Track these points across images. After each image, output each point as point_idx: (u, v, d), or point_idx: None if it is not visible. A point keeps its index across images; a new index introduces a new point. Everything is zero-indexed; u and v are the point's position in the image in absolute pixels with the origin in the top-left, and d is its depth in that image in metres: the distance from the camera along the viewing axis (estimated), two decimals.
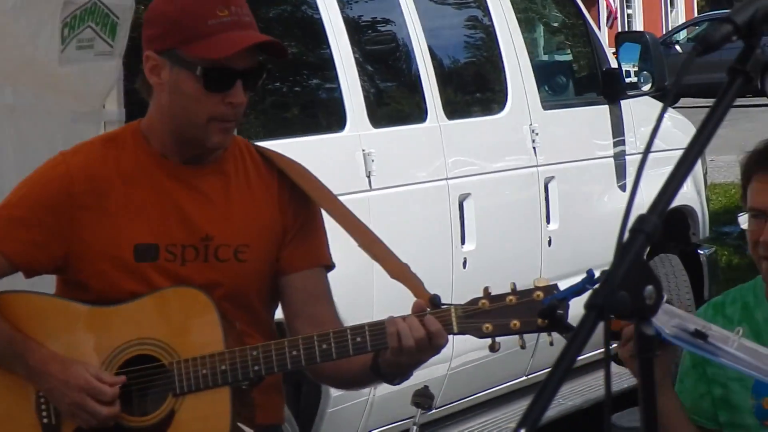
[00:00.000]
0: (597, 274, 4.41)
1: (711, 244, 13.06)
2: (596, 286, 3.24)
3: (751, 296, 5.63)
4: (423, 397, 5.84)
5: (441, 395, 6.85)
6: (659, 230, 3.07)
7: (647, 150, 3.34)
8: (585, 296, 3.98)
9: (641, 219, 3.06)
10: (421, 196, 9.93)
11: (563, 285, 4.88)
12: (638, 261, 3.11)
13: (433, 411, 6.16)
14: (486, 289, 5.00)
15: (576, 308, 3.43)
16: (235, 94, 5.05)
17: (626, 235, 3.08)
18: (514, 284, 4.98)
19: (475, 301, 5.00)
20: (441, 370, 9.34)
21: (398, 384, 5.22)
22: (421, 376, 8.00)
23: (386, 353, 4.99)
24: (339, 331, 5.02)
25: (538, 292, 4.87)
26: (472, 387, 10.37)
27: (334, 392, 9.01)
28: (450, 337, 8.67)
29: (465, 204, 9.96)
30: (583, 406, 9.51)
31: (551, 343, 4.93)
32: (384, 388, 8.90)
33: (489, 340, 4.96)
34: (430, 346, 4.91)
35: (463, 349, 9.68)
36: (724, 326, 5.26)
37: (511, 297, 4.92)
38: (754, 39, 3.29)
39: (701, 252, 12.54)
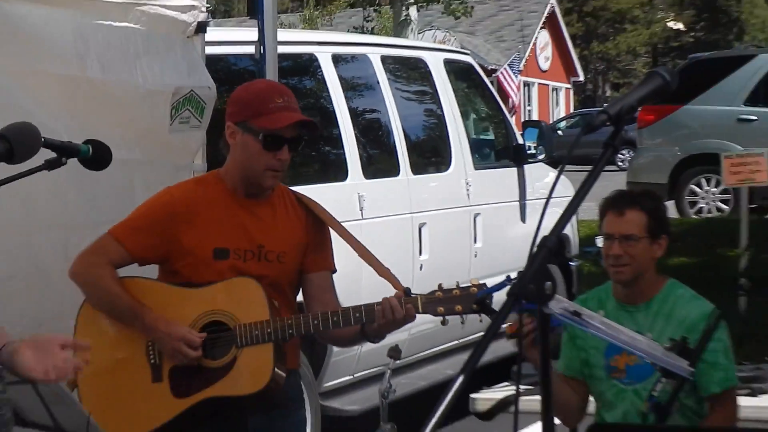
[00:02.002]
0: (513, 275, 4.63)
1: (578, 259, 13.07)
2: (513, 282, 3.32)
3: (603, 294, 5.73)
4: (394, 351, 5.88)
5: (405, 350, 6.88)
6: (556, 246, 3.18)
7: (549, 196, 3.40)
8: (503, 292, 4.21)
9: (545, 238, 3.18)
10: (395, 224, 10.05)
11: (489, 283, 5.10)
12: (542, 266, 3.22)
13: (400, 361, 6.18)
14: (440, 285, 5.22)
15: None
16: (283, 154, 5.24)
17: (535, 248, 3.21)
18: (458, 282, 5.19)
19: (432, 292, 5.21)
20: (405, 335, 9.44)
21: (377, 342, 5.37)
22: (392, 338, 8.12)
23: (372, 324, 5.16)
24: (344, 309, 5.20)
25: (474, 288, 5.12)
26: (425, 346, 10.47)
27: (335, 348, 9.07)
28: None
29: (423, 229, 10.18)
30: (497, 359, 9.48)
31: (480, 321, 5.12)
32: (368, 346, 9.02)
33: (441, 318, 5.15)
34: (404, 321, 5.10)
35: (419, 322, 9.77)
36: None
37: (456, 290, 5.16)
38: (621, 124, 3.38)
39: (572, 264, 12.60)
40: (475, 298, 5.09)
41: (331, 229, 5.54)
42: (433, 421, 3.09)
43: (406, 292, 5.16)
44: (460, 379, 3.17)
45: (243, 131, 5.28)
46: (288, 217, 5.47)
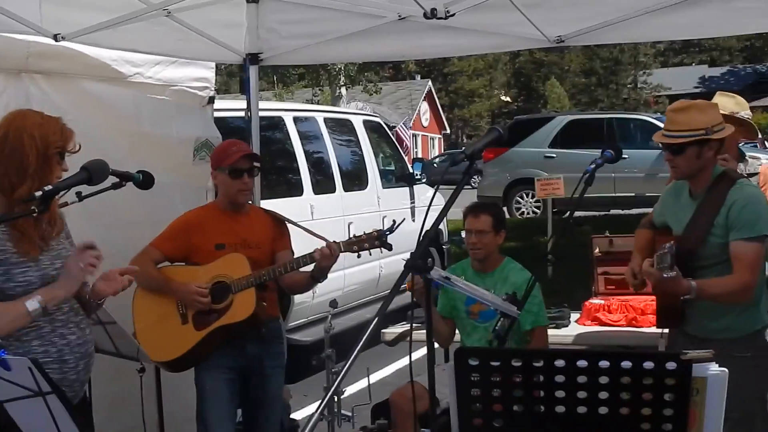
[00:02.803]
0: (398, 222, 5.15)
1: (449, 244, 12.98)
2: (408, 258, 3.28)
3: (465, 265, 5.71)
4: (333, 303, 5.81)
5: (340, 302, 6.80)
6: (435, 236, 3.13)
7: (429, 205, 3.33)
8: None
9: (427, 231, 3.13)
10: (333, 223, 9.96)
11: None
12: (426, 248, 3.17)
13: (337, 309, 6.11)
14: (354, 234, 5.16)
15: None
16: (245, 179, 5.27)
17: (421, 237, 3.16)
18: (364, 231, 5.15)
19: (349, 238, 5.13)
20: (340, 292, 9.38)
21: (322, 281, 5.22)
22: (332, 293, 8.03)
23: (315, 266, 5.07)
24: (296, 258, 5.13)
25: (375, 232, 5.08)
26: (354, 298, 10.41)
27: (296, 300, 9.00)
28: (342, 273, 8.65)
29: (350, 226, 10.00)
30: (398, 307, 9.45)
31: (381, 252, 5.22)
32: (317, 299, 8.95)
33: (356, 255, 5.15)
34: (333, 257, 5.00)
35: (349, 283, 9.71)
36: None
37: (363, 235, 5.08)
38: (473, 160, 3.36)
39: (445, 247, 12.56)
40: (376, 236, 5.04)
41: (288, 224, 5.50)
42: (359, 346, 3.05)
43: (333, 242, 5.07)
44: (375, 321, 3.12)
45: (219, 173, 5.30)
46: (259, 221, 5.41)
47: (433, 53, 7.43)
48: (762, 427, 4.43)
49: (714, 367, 2.86)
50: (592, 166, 4.60)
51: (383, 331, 6.20)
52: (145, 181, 4.69)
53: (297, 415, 6.96)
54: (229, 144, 5.48)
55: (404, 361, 3.95)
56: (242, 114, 6.92)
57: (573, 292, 11.80)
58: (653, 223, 4.88)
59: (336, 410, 5.70)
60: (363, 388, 6.39)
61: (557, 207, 16.41)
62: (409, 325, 6.44)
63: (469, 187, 31.86)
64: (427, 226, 3.34)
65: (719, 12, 5.70)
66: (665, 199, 4.87)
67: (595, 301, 6.40)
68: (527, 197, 20.23)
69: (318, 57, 7.35)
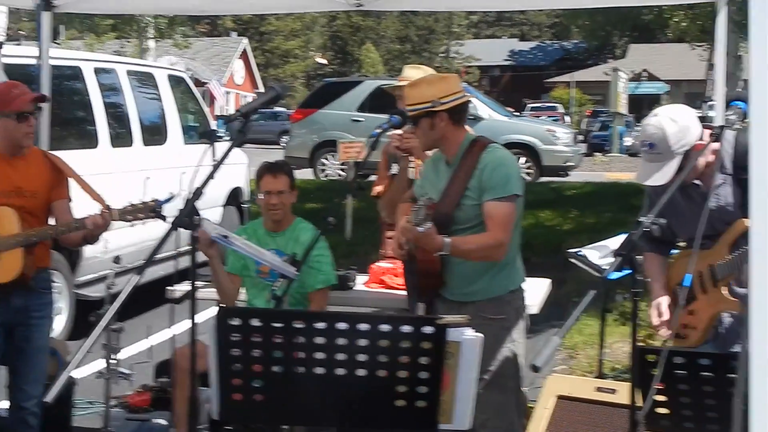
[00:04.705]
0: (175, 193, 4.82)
1: (248, 203, 12.88)
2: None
3: (257, 225, 5.67)
4: (117, 258, 5.65)
5: (125, 260, 6.62)
6: (200, 194, 3.05)
7: (219, 162, 3.24)
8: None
9: (197, 189, 3.06)
10: (130, 177, 9.73)
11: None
12: (192, 205, 3.11)
13: (121, 266, 5.94)
14: (130, 202, 4.83)
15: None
16: (29, 124, 4.95)
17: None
18: (141, 200, 4.82)
19: (125, 206, 4.79)
20: (126, 249, 9.17)
21: (93, 243, 5.05)
22: (125, 244, 7.85)
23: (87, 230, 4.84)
24: (68, 221, 4.86)
25: (151, 202, 4.74)
26: (137, 258, 10.13)
27: (86, 254, 8.76)
28: (136, 229, 8.37)
29: (148, 181, 9.76)
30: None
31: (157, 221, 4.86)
32: (107, 255, 8.72)
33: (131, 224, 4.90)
34: (105, 225, 4.79)
35: (132, 242, 9.48)
36: (246, 238, 5.27)
37: (140, 204, 4.76)
38: (248, 119, 3.28)
39: (244, 206, 12.46)
40: (151, 206, 4.78)
41: (69, 176, 5.28)
42: (123, 298, 2.97)
43: (108, 207, 4.80)
44: (136, 278, 3.04)
45: (2, 117, 4.97)
46: (37, 167, 5.09)
47: (232, 10, 7.33)
48: (515, 386, 4.60)
49: (469, 332, 2.94)
50: (378, 130, 4.66)
51: (169, 288, 6.10)
52: None
53: (78, 373, 6.75)
54: (9, 86, 5.20)
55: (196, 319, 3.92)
56: (34, 61, 6.66)
57: (369, 255, 11.93)
58: (414, 198, 4.95)
59: (114, 368, 5.56)
60: (153, 345, 6.29)
61: (361, 170, 16.53)
62: (199, 282, 6.32)
63: (279, 147, 31.77)
64: (219, 185, 3.25)
65: None
66: (424, 172, 4.97)
67: (383, 264, 6.44)
68: (332, 159, 20.30)
69: (118, 7, 7.14)
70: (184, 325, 3.42)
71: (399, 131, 5.32)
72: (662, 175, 3.98)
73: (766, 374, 2.26)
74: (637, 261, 2.63)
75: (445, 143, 4.64)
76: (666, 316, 4.26)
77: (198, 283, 5.62)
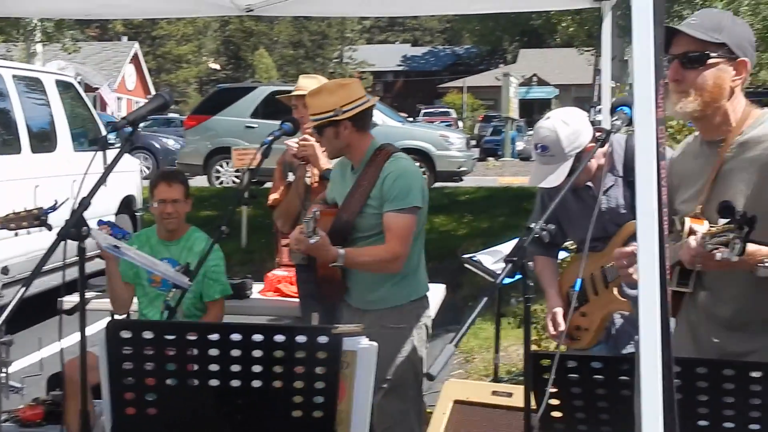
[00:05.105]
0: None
1: (141, 211, 12.64)
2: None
3: (150, 233, 5.58)
4: (5, 270, 5.49)
5: (13, 271, 6.43)
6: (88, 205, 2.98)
7: (107, 170, 3.12)
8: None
9: (83, 198, 2.99)
10: (18, 185, 9.44)
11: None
12: (81, 216, 3.03)
13: (9, 277, 5.77)
14: (14, 210, 4.48)
15: None
16: None
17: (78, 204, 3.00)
18: (25, 208, 4.47)
19: (7, 214, 4.46)
20: (15, 260, 8.94)
21: None
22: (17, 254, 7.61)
23: None
24: None
25: (35, 210, 4.36)
26: (26, 269, 9.89)
27: None
28: (27, 239, 8.07)
29: (37, 189, 9.50)
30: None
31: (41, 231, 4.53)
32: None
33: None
34: None
35: (19, 252, 9.21)
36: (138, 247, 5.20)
37: (23, 212, 4.39)
38: (136, 125, 3.22)
39: (138, 214, 12.23)
40: (36, 214, 4.53)
41: None
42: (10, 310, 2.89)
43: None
44: (22, 291, 2.96)
45: None
46: None
47: (120, 14, 7.20)
48: (415, 395, 4.58)
49: (364, 341, 2.94)
50: (270, 138, 4.64)
51: (60, 299, 5.96)
52: None
53: None
54: None
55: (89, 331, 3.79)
56: None
57: (265, 263, 11.87)
58: (326, 201, 4.94)
59: (4, 382, 5.42)
60: (45, 357, 6.13)
61: (256, 177, 16.46)
62: (90, 293, 6.21)
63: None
64: (109, 194, 3.17)
65: None
66: (333, 177, 4.94)
67: (279, 272, 6.40)
68: (227, 166, 20.13)
69: (1, 9, 6.94)
70: (76, 337, 3.34)
71: (294, 139, 5.29)
72: (556, 177, 4.03)
73: (655, 370, 2.31)
74: (528, 267, 2.64)
75: (351, 151, 4.61)
76: (562, 327, 4.29)
77: (88, 294, 5.55)
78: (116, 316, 6.10)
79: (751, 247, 2.69)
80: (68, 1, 5.93)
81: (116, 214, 11.79)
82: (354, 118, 4.53)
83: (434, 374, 2.38)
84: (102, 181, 3.24)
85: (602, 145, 3.23)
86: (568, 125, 4.07)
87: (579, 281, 3.27)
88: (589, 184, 4.24)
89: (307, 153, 5.28)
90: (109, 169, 3.22)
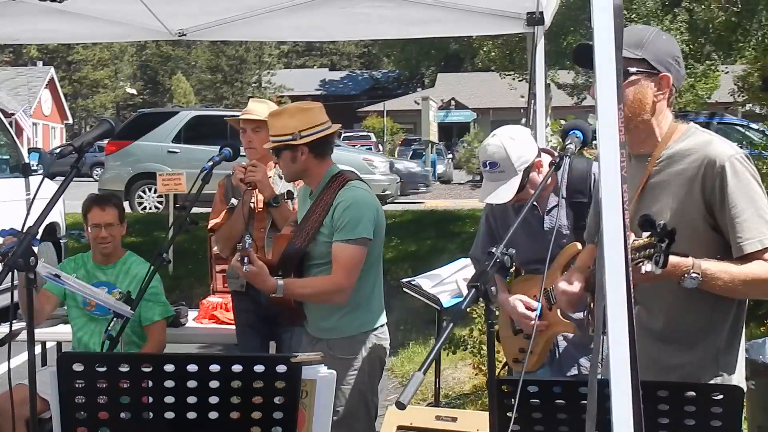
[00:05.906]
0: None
1: (66, 237, 12.35)
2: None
3: (85, 258, 5.54)
4: None
5: None
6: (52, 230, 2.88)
7: (33, 197, 3.03)
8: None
9: (29, 227, 2.88)
10: None
11: None
12: (28, 245, 2.93)
13: None
14: None
15: None
16: None
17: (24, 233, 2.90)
18: None
19: None
20: None
21: None
22: None
23: None
24: None
25: None
26: None
27: None
28: None
29: None
30: None
31: None
32: None
33: None
34: None
35: None
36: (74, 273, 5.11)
37: None
38: (82, 153, 3.13)
39: (62, 241, 11.95)
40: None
41: None
42: None
43: None
44: None
45: None
46: None
47: (48, 38, 7.07)
48: (364, 428, 4.47)
49: (323, 370, 2.88)
50: (210, 163, 4.59)
51: None
52: None
53: None
54: None
55: (15, 362, 3.63)
56: None
57: (193, 289, 11.71)
58: (296, 222, 4.85)
59: None
60: None
61: (179, 203, 16.29)
62: (19, 324, 6.04)
63: (92, 179, 30.98)
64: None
65: (339, 17, 5.84)
66: (299, 198, 4.86)
67: (213, 299, 6.32)
68: (150, 192, 19.89)
69: None
70: (4, 368, 3.24)
71: (242, 164, 5.22)
72: (506, 192, 4.05)
73: (626, 394, 2.31)
74: (491, 292, 2.61)
75: (308, 176, 4.55)
76: (534, 305, 4.18)
77: (18, 324, 5.39)
78: (49, 343, 5.96)
79: (674, 259, 2.74)
80: None
81: (40, 241, 11.52)
82: (311, 144, 4.45)
83: (405, 403, 2.33)
84: (50, 207, 3.13)
85: (558, 169, 3.23)
86: (514, 140, 4.11)
87: (539, 307, 3.25)
88: (535, 203, 4.25)
89: (255, 179, 5.20)
90: (57, 194, 3.11)
